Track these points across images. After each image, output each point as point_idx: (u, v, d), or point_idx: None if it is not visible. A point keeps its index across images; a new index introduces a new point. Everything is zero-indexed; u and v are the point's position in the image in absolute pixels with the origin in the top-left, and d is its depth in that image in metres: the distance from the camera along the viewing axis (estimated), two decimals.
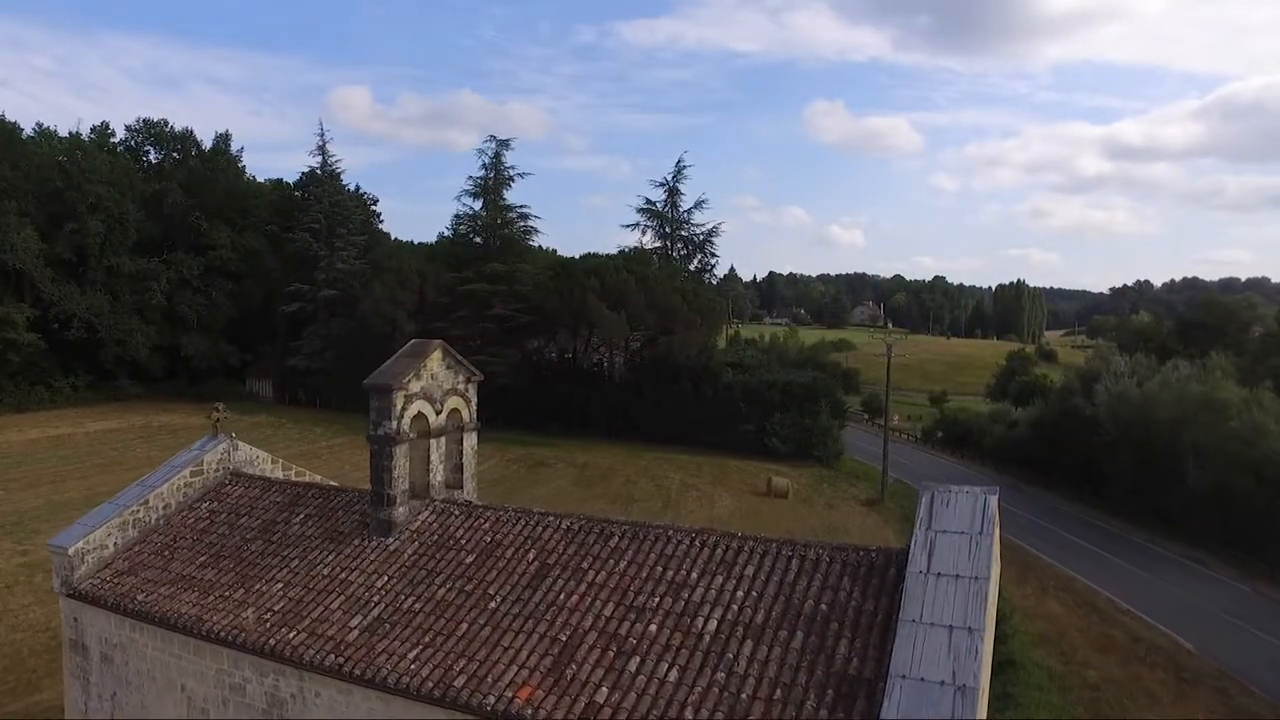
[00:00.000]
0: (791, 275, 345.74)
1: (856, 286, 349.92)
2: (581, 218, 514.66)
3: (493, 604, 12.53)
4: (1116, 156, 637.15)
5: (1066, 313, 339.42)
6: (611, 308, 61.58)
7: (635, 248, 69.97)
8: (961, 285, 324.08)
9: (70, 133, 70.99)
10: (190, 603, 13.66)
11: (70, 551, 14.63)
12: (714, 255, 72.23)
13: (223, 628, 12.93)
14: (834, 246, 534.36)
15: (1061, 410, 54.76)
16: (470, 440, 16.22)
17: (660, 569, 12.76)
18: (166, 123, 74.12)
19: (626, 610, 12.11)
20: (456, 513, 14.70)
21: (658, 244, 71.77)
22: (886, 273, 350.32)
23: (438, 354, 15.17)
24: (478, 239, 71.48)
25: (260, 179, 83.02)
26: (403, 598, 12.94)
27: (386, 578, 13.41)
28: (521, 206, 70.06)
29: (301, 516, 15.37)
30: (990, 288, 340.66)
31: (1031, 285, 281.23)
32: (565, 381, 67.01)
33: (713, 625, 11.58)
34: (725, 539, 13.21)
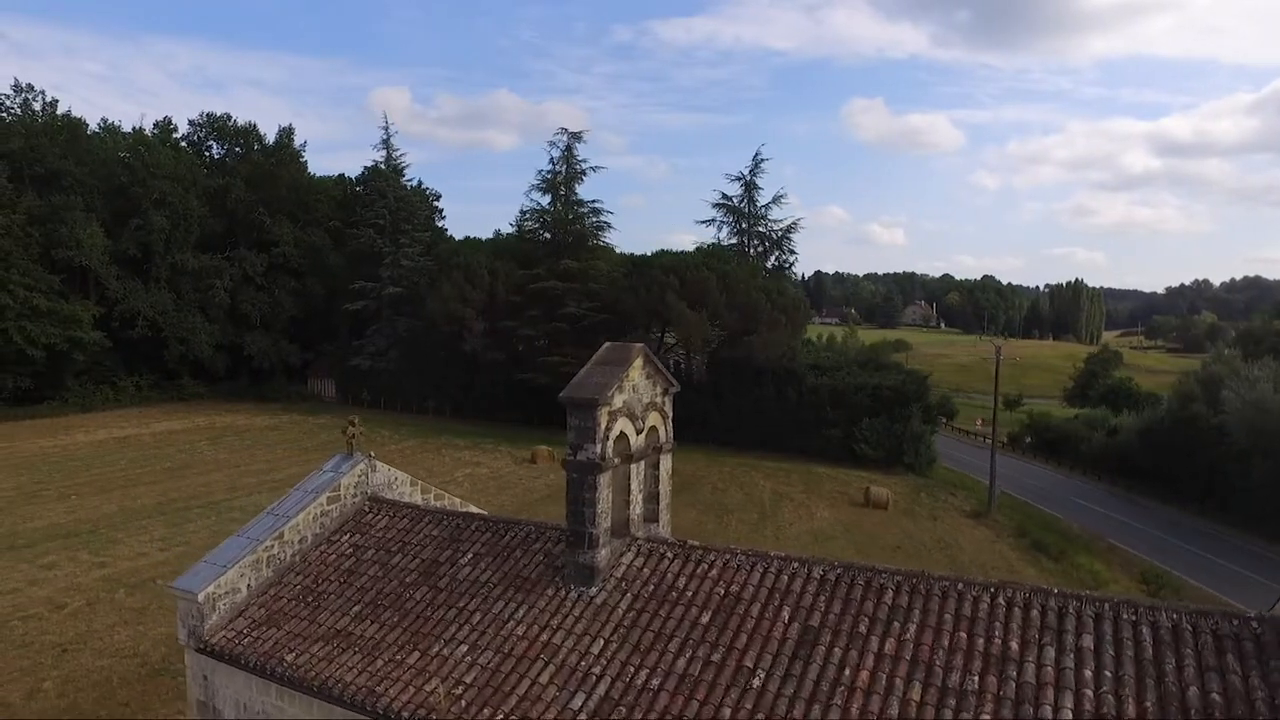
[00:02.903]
0: (838, 274, 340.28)
1: (905, 286, 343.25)
2: (621, 217, 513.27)
3: (755, 680, 9.70)
4: (1165, 153, 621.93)
5: (1119, 313, 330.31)
6: (691, 306, 58.69)
7: (713, 244, 66.95)
8: (1011, 285, 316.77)
9: (134, 128, 69.90)
10: (354, 668, 10.99)
11: (200, 598, 12.07)
12: (792, 253, 69.10)
13: (403, 705, 10.22)
14: (874, 245, 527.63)
15: (1179, 418, 50.72)
16: (666, 464, 13.42)
17: (964, 635, 9.88)
18: (230, 117, 73.01)
19: (940, 694, 9.25)
20: (669, 555, 11.90)
21: (734, 240, 68.69)
22: (928, 271, 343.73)
23: (639, 361, 12.35)
24: (546, 235, 68.99)
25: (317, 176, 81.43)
26: (631, 669, 10.14)
27: (603, 641, 10.63)
28: (594, 201, 67.49)
29: (470, 556, 12.67)
30: (1036, 287, 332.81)
31: (1091, 285, 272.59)
32: None
33: (1068, 717, 8.70)
34: (1037, 595, 10.42)
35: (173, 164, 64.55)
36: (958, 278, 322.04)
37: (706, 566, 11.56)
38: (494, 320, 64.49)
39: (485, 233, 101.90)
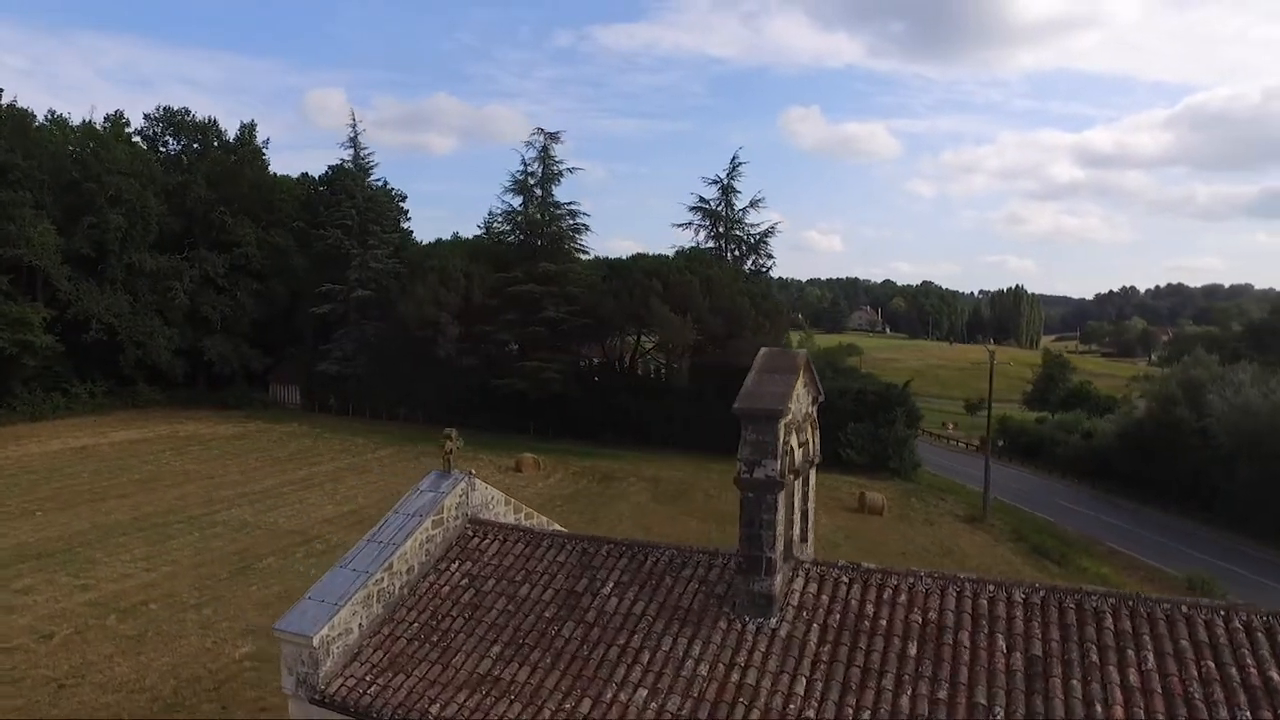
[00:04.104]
0: (780, 280, 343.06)
1: (849, 291, 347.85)
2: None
3: (996, 718, 8.71)
4: (1089, 164, 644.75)
5: (1051, 318, 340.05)
6: (674, 310, 57.73)
7: (691, 247, 66.11)
8: (953, 291, 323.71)
9: (84, 120, 66.11)
10: None
11: (315, 642, 10.59)
12: (770, 257, 68.55)
13: None
14: (812, 251, 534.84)
15: (1162, 422, 51.50)
16: (812, 479, 12.35)
17: (1210, 664, 9.08)
18: (188, 111, 69.31)
19: None
20: (845, 579, 10.86)
21: (711, 244, 67.95)
22: (868, 277, 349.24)
23: (803, 369, 11.30)
24: (517, 237, 67.42)
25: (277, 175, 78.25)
26: (849, 710, 9.08)
27: (805, 679, 9.55)
28: (570, 203, 66.08)
29: (611, 586, 11.45)
30: (972, 293, 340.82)
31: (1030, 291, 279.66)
32: (619, 389, 63.04)
33: None
34: (1256, 614, 9.67)
35: (128, 159, 61.18)
36: (907, 284, 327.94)
37: (892, 592, 10.58)
38: (469, 324, 62.64)
39: (427, 236, 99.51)
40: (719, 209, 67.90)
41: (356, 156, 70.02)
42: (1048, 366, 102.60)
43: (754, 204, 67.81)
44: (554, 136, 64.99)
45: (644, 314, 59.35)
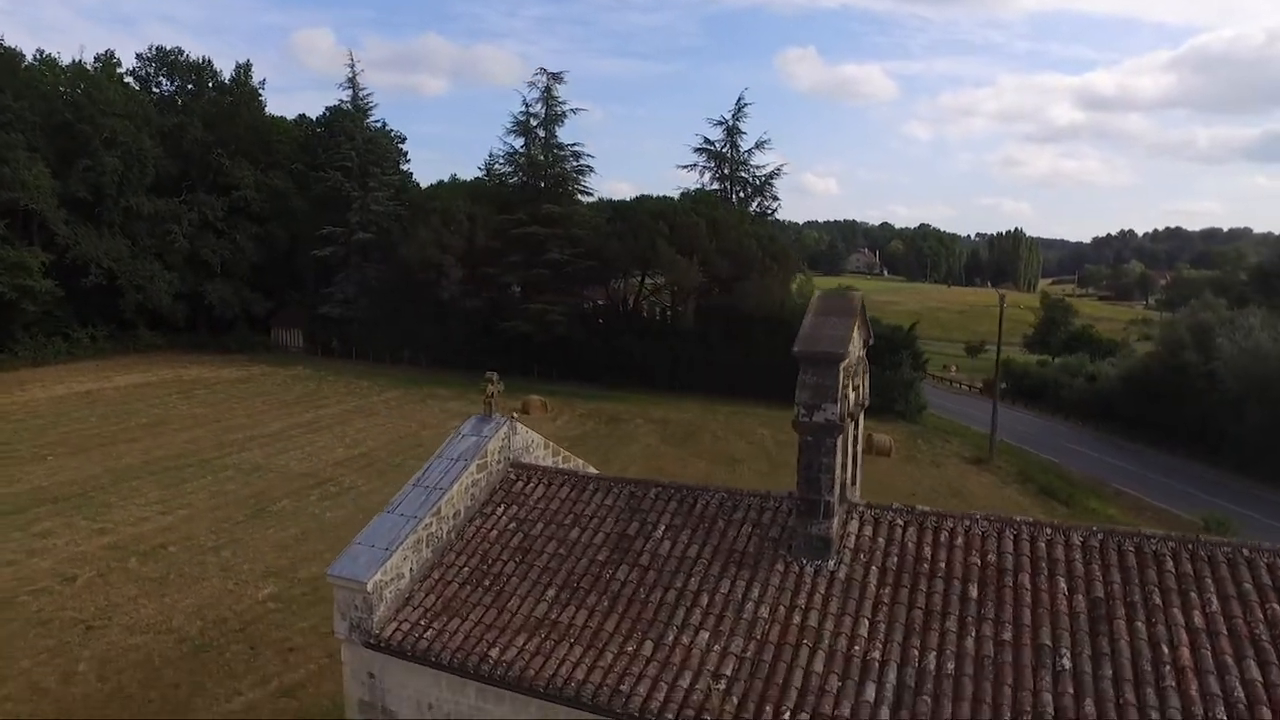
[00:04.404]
0: (778, 222, 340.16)
1: (847, 234, 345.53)
2: None
3: (1063, 661, 8.74)
4: (1089, 107, 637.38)
5: (1048, 262, 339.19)
6: (681, 253, 57.21)
7: (697, 189, 65.27)
8: (951, 234, 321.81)
9: (74, 60, 64.42)
10: (580, 663, 9.69)
11: (369, 587, 10.54)
12: (775, 199, 67.78)
13: (661, 705, 8.96)
14: (808, 194, 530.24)
15: (1170, 365, 51.50)
16: (861, 423, 12.26)
17: (1275, 607, 9.09)
18: (181, 51, 67.44)
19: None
20: (900, 522, 10.81)
21: (716, 186, 67.08)
22: (864, 220, 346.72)
23: (859, 312, 11.12)
24: (520, 179, 66.43)
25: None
26: (914, 652, 9.09)
27: (868, 621, 9.56)
28: (574, 144, 64.98)
29: (663, 529, 11.38)
30: (968, 235, 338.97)
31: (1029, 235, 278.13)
32: (623, 332, 62.78)
33: None
34: None
35: (122, 101, 59.77)
36: (896, 226, 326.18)
37: (948, 534, 10.56)
38: (472, 267, 62.09)
39: (422, 179, 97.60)
40: (724, 150, 66.87)
41: (355, 97, 68.54)
42: (1049, 310, 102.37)
43: (759, 145, 66.86)
44: (557, 77, 63.73)
45: (650, 256, 58.86)
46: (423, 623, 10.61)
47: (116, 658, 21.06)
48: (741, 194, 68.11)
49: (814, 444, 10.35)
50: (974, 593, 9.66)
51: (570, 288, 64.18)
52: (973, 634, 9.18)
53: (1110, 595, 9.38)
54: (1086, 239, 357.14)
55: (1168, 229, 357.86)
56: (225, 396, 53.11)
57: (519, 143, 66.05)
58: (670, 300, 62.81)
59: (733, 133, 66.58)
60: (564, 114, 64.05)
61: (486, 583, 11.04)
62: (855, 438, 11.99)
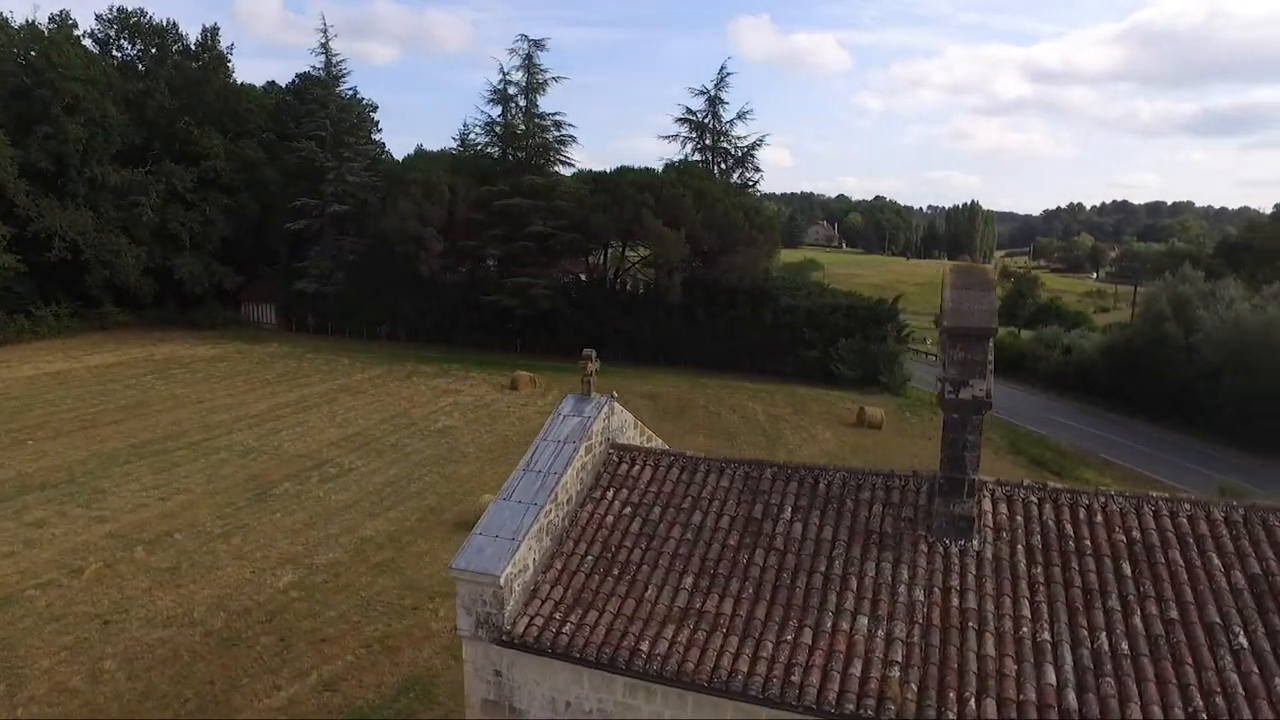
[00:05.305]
0: (760, 194, 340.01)
1: (804, 206, 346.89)
2: None
3: (1237, 639, 8.69)
4: (1035, 79, 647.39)
5: (1001, 234, 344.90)
6: (666, 225, 56.66)
7: (680, 160, 64.52)
8: (907, 206, 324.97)
9: (28, 20, 61.27)
10: (739, 654, 9.39)
11: (502, 581, 10.09)
12: (757, 170, 67.36)
13: (837, 695, 8.72)
14: (761, 166, 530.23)
15: (1150, 338, 52.58)
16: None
17: None
18: (144, 13, 64.44)
19: None
20: (1032, 499, 10.70)
21: (697, 157, 66.47)
22: (819, 192, 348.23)
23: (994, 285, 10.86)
24: (497, 150, 65.18)
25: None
26: (1083, 632, 8.96)
27: (1028, 602, 9.43)
28: (555, 114, 63.79)
29: (790, 510, 11.11)
30: (921, 208, 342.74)
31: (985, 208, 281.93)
32: (608, 305, 62.21)
33: None
34: None
35: (83, 64, 56.99)
36: (851, 199, 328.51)
37: (1086, 511, 10.47)
38: (453, 240, 60.87)
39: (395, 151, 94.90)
40: (706, 121, 66.27)
41: (328, 64, 66.26)
42: (1017, 283, 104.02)
43: (741, 116, 66.32)
44: (539, 44, 62.40)
45: (635, 228, 58.23)
46: (557, 616, 10.21)
47: (142, 654, 20.35)
48: (723, 165, 67.64)
49: (960, 421, 10.15)
50: (1128, 570, 9.57)
51: (553, 261, 63.36)
52: (1138, 613, 9.09)
53: (1268, 571, 9.35)
54: (1035, 211, 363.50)
55: (1114, 202, 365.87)
56: (204, 375, 51.52)
57: (496, 111, 64.85)
58: (655, 273, 62.29)
59: (715, 103, 65.97)
60: (545, 82, 62.84)
61: (616, 572, 10.68)
62: None
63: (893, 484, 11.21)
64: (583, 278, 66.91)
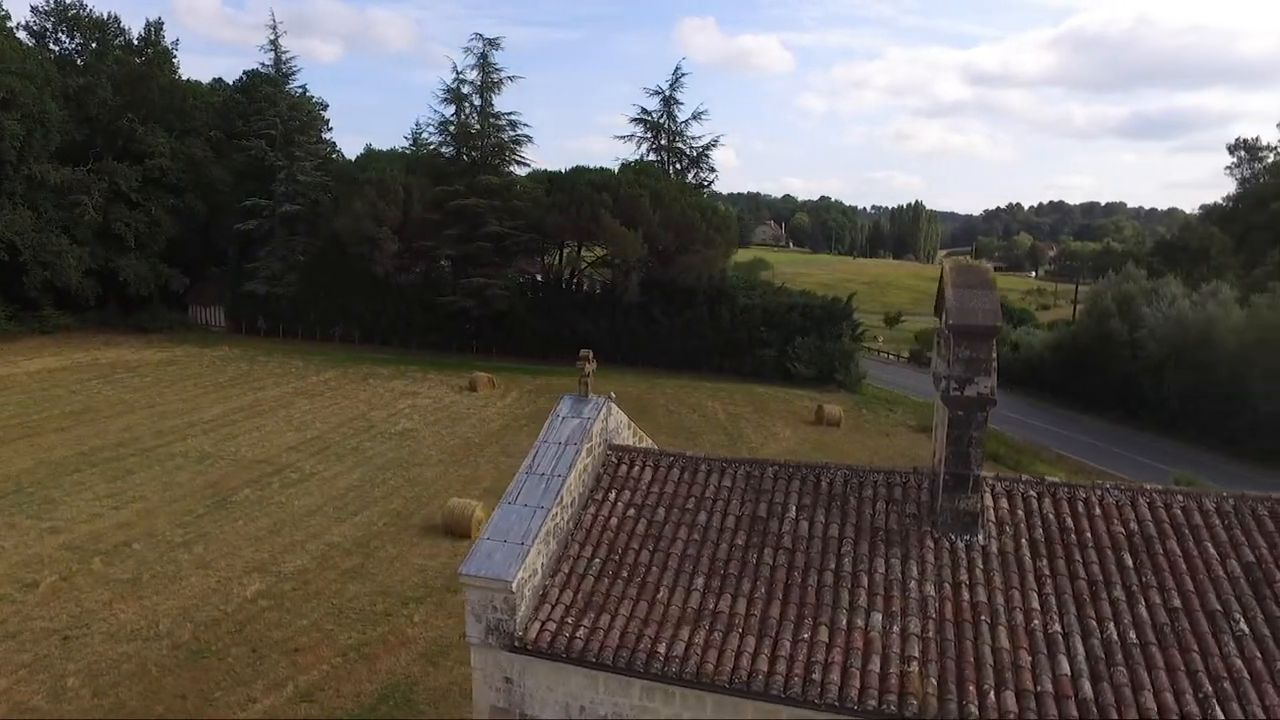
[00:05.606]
0: (715, 194, 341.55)
1: (751, 206, 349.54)
2: None
3: (1239, 625, 9.01)
4: (975, 82, 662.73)
5: (943, 234, 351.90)
6: (624, 225, 56.68)
7: (636, 160, 64.54)
8: (852, 206, 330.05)
9: None
10: (757, 654, 9.42)
11: (514, 586, 9.98)
12: (712, 170, 67.76)
13: (858, 692, 8.82)
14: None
15: (1097, 334, 54.16)
16: None
17: None
18: (83, 4, 62.33)
19: None
20: (1031, 493, 10.97)
21: (653, 157, 66.62)
22: (764, 192, 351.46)
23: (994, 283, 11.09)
24: (451, 149, 64.49)
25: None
26: (1091, 623, 9.20)
27: (1035, 594, 9.65)
28: (511, 113, 63.38)
29: (794, 509, 11.20)
30: (864, 209, 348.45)
31: (929, 208, 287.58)
32: (565, 306, 62.01)
33: None
34: None
35: (19, 58, 54.90)
36: (797, 199, 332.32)
37: (1083, 504, 10.75)
38: (408, 240, 60.13)
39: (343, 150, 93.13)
40: (661, 121, 66.45)
41: (278, 61, 64.89)
42: None
43: (696, 117, 66.68)
44: (493, 43, 61.91)
45: (593, 228, 58.13)
46: (569, 620, 10.14)
47: (107, 669, 19.63)
48: (679, 165, 67.87)
49: (965, 418, 10.35)
50: (1129, 561, 9.84)
51: (509, 261, 62.95)
52: (1143, 603, 9.35)
53: (1261, 559, 9.69)
54: (976, 211, 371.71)
55: (1051, 203, 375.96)
56: (152, 380, 50.06)
57: (449, 111, 64.17)
58: (612, 274, 62.27)
59: (669, 103, 66.20)
60: (501, 81, 62.36)
61: (625, 574, 10.64)
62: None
63: (894, 480, 11.37)
64: (539, 278, 66.63)
